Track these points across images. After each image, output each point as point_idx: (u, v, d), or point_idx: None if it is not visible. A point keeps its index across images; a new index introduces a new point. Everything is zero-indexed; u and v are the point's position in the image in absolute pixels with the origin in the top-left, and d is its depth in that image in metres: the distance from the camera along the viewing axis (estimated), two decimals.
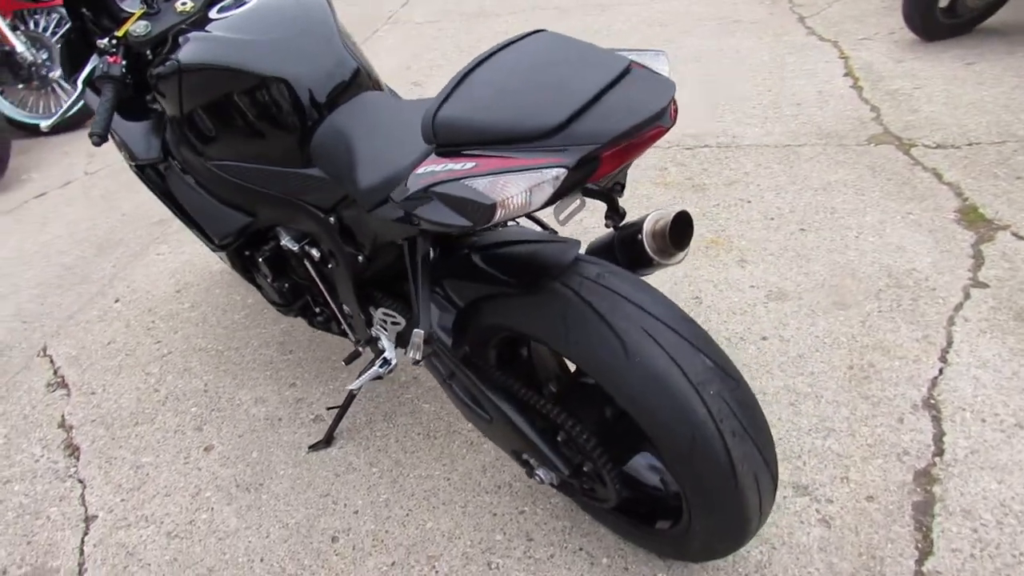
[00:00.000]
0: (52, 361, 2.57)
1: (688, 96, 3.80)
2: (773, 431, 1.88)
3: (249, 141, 1.62)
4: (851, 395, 1.96)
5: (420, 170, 1.14)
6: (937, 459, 1.77)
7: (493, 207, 1.03)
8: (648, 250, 1.46)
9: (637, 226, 1.48)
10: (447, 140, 1.13)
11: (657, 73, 1.15)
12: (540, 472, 1.55)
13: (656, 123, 1.05)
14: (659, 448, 1.27)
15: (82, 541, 1.89)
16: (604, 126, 1.03)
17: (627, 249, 1.50)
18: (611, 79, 1.09)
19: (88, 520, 1.95)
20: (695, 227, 1.52)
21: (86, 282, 3.03)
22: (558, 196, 1.05)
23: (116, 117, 1.97)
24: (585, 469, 1.47)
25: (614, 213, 1.60)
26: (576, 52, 1.17)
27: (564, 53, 1.17)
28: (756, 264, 2.50)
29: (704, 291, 2.41)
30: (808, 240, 2.58)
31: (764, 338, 2.19)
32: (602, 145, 1.02)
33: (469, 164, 1.08)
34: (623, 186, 1.56)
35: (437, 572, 1.69)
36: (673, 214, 1.44)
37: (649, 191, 3.02)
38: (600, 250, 1.56)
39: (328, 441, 2.05)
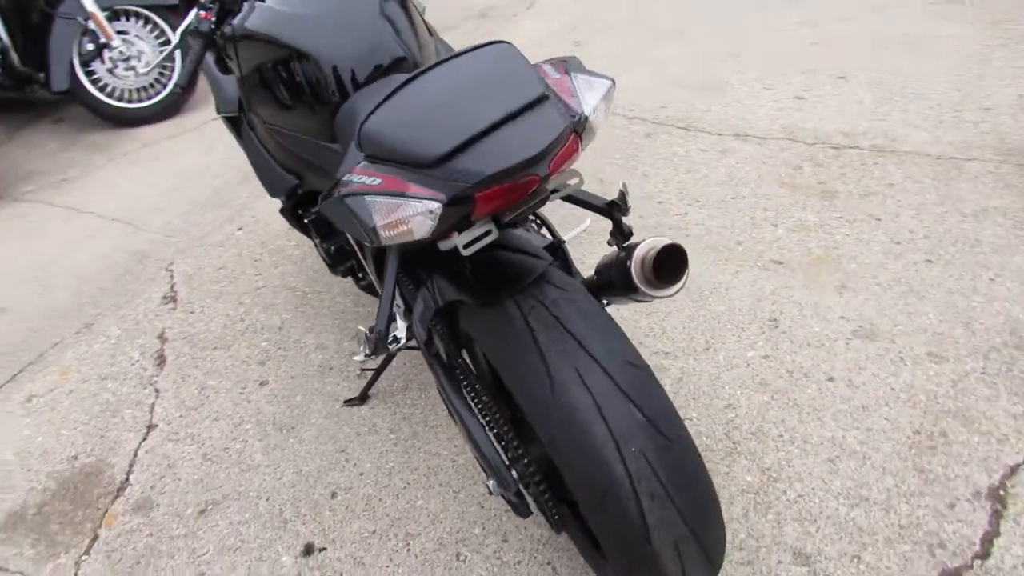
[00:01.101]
0: (172, 276, 2.87)
1: (858, 88, 3.40)
2: (800, 483, 1.71)
3: (290, 110, 1.68)
4: (904, 464, 1.72)
5: (347, 175, 1.13)
6: (977, 562, 1.52)
7: (374, 230, 1.00)
8: (635, 279, 1.35)
9: (631, 251, 1.37)
10: (369, 150, 1.10)
11: (566, 107, 1.04)
12: (490, 483, 1.52)
13: (528, 171, 0.96)
14: (573, 494, 1.20)
15: (138, 445, 2.13)
16: (478, 165, 0.95)
17: (620, 274, 1.40)
18: (516, 108, 1.00)
19: (149, 428, 2.19)
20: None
21: (224, 207, 3.33)
22: (451, 227, 0.99)
23: (214, 69, 2.11)
24: (528, 493, 1.42)
25: (618, 232, 1.50)
26: (508, 71, 1.09)
27: (499, 70, 1.09)
28: (857, 293, 2.23)
29: (785, 313, 2.19)
30: (930, 274, 2.26)
31: (831, 379, 1.97)
32: (471, 186, 0.95)
33: (377, 180, 1.05)
34: (625, 204, 1.45)
35: (409, 550, 1.72)
36: (660, 246, 1.31)
37: (770, 191, 2.77)
38: (604, 269, 1.47)
39: (362, 399, 2.14)
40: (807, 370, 2.00)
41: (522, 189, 1.00)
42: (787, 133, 3.15)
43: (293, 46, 1.57)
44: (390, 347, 1.64)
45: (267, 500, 1.90)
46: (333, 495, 1.89)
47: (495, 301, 1.28)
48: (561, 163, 1.01)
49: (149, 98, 4.41)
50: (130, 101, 4.36)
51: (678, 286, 1.36)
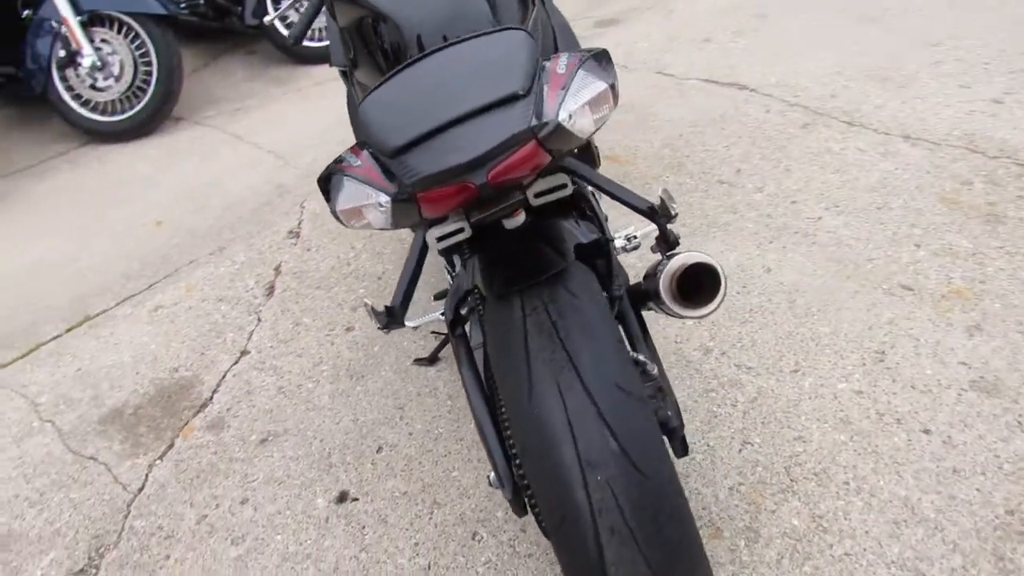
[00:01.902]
0: (302, 213, 3.04)
1: None
2: (852, 540, 1.53)
3: (372, 71, 1.68)
4: (982, 545, 1.48)
5: (345, 152, 1.11)
6: None
7: (336, 213, 0.98)
8: (662, 293, 1.24)
9: (666, 262, 1.27)
10: (361, 131, 1.07)
11: (541, 110, 0.94)
12: (490, 476, 1.48)
13: (461, 177, 0.88)
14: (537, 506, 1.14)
15: (229, 368, 2.30)
16: (420, 164, 0.89)
17: (652, 284, 1.30)
18: (480, 105, 0.92)
19: (243, 353, 2.35)
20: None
21: None
22: (416, 220, 0.94)
23: (332, 23, 2.16)
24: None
25: (661, 239, 1.38)
26: (502, 62, 1.01)
27: (495, 59, 1.02)
28: (991, 338, 1.93)
29: (897, 348, 1.94)
30: None
31: (926, 431, 1.73)
32: (409, 185, 0.88)
33: (358, 162, 1.03)
34: (668, 210, 1.33)
35: (431, 518, 1.74)
36: (690, 263, 1.20)
37: (925, 205, 2.45)
38: (646, 277, 1.37)
39: (431, 360, 2.16)
40: (901, 416, 1.77)
41: (462, 195, 0.93)
42: (968, 141, 2.75)
43: (375, 7, 1.56)
44: (406, 323, 1.62)
45: (320, 442, 1.99)
46: (379, 449, 1.94)
47: (503, 294, 1.22)
48: (509, 172, 0.92)
49: (123, 111, 4.03)
50: (104, 112, 4.05)
51: (708, 309, 1.24)
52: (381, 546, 1.70)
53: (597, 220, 1.50)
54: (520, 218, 1.24)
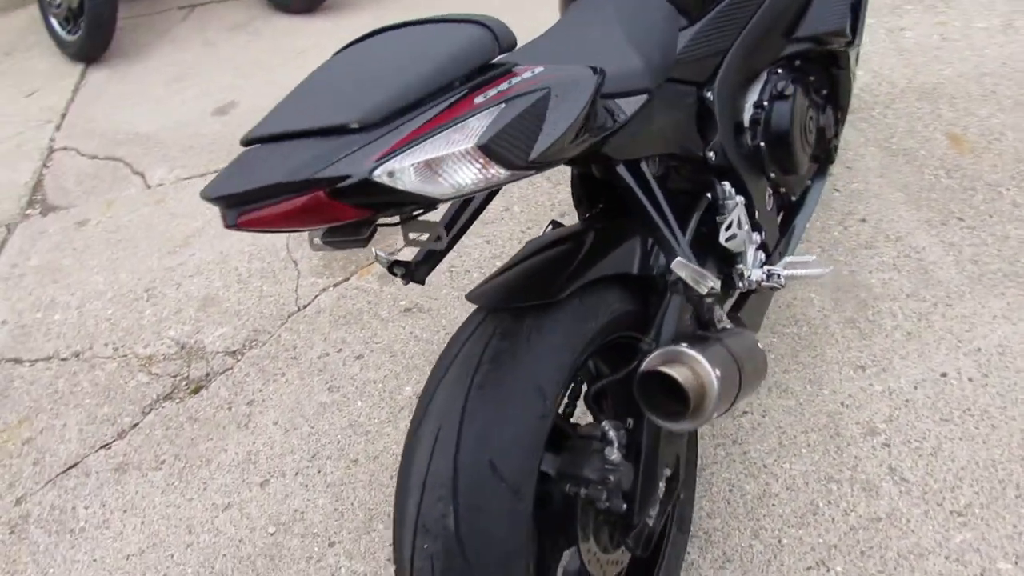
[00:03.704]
0: None
1: None
2: None
3: None
4: None
5: None
6: None
7: None
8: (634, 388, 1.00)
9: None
10: None
11: (367, 156, 0.72)
12: None
13: (225, 208, 0.71)
14: None
15: None
16: (227, 173, 0.75)
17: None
18: (314, 127, 0.74)
19: None
20: None
21: None
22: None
23: None
24: None
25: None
26: (411, 69, 0.79)
27: (399, 63, 0.81)
28: None
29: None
30: None
31: None
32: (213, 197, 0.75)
33: None
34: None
35: None
36: (653, 368, 0.93)
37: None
38: None
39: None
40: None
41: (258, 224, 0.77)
42: None
43: None
44: None
45: (445, 334, 2.03)
46: None
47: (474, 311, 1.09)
48: (266, 224, 0.73)
49: None
50: None
51: (680, 424, 0.97)
52: None
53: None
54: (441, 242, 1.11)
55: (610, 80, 0.98)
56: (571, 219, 1.47)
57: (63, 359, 2.24)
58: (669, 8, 1.26)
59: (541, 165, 0.81)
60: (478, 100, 0.79)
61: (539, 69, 0.86)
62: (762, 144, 1.41)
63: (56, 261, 2.63)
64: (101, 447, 1.93)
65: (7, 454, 1.96)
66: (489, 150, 0.74)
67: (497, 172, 0.76)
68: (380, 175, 0.70)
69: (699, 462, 1.57)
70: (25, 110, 3.72)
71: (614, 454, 1.06)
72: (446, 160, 0.73)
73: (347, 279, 2.28)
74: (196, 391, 2.03)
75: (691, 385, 0.93)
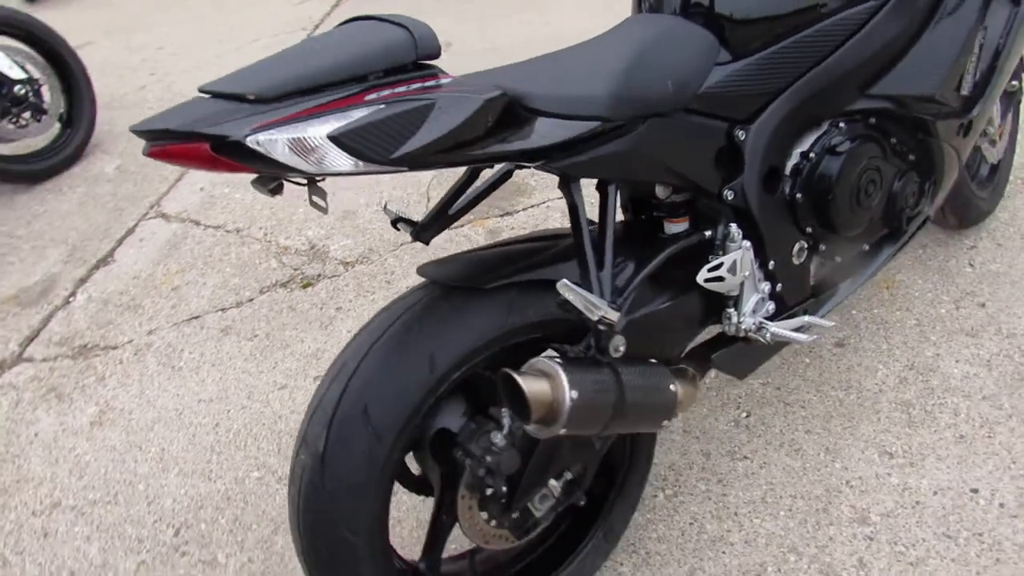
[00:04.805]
0: None
1: None
2: None
3: None
4: None
5: None
6: None
7: None
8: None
9: None
10: None
11: (227, 114, 0.85)
12: None
13: (153, 142, 0.85)
14: None
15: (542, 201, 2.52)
16: (162, 118, 0.89)
17: None
18: (230, 91, 0.86)
19: None
20: None
21: None
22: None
23: None
24: None
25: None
26: (344, 63, 0.90)
27: (346, 46, 0.92)
28: None
29: None
30: None
31: None
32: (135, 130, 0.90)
33: None
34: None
35: None
36: (505, 371, 1.01)
37: None
38: None
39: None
40: None
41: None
42: None
43: None
44: None
45: None
46: None
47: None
48: (165, 157, 0.87)
49: None
50: None
51: (530, 428, 1.05)
52: None
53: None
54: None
55: (557, 102, 1.04)
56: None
57: (227, 231, 2.67)
58: (711, 41, 1.25)
59: (412, 164, 0.92)
60: (370, 97, 0.90)
61: (446, 80, 0.95)
62: (798, 195, 1.36)
63: None
64: (220, 309, 2.31)
65: (159, 294, 2.42)
66: (338, 141, 0.86)
67: (356, 162, 0.88)
68: (251, 142, 0.85)
69: (667, 489, 1.60)
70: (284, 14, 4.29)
71: (499, 439, 1.15)
72: (306, 141, 0.86)
73: (462, 226, 2.46)
74: (305, 287, 2.35)
75: (537, 397, 0.99)
